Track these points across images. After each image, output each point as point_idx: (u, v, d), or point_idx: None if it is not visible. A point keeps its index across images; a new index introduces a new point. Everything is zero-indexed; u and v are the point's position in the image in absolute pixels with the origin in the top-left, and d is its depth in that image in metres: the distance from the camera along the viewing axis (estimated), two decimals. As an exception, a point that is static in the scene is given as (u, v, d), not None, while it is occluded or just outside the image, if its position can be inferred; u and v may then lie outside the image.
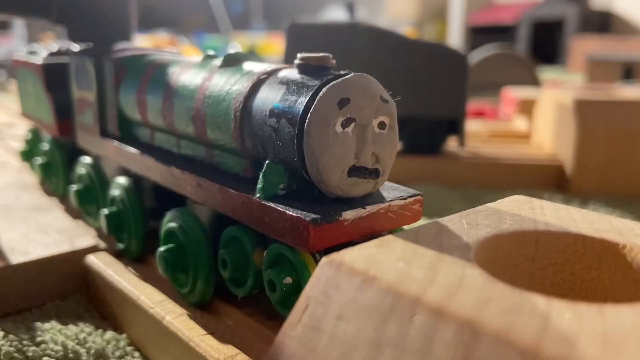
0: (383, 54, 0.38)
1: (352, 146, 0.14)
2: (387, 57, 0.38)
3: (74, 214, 0.24)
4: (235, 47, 1.73)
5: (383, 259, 0.11)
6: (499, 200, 0.16)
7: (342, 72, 0.14)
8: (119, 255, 0.21)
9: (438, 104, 0.39)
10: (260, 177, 0.14)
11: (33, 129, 0.28)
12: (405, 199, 0.15)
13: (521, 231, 0.13)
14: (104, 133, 0.21)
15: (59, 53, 0.23)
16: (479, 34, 2.37)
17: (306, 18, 0.41)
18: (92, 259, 0.20)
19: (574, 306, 0.09)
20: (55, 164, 0.25)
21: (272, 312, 0.15)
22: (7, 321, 0.18)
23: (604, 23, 2.04)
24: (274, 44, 1.88)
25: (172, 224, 0.17)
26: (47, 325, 0.18)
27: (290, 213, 0.13)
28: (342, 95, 0.13)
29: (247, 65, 0.16)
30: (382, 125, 0.14)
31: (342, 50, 0.39)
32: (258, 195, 0.14)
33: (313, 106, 0.13)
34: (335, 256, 0.11)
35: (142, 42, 1.63)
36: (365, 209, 0.14)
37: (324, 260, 0.11)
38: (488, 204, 0.16)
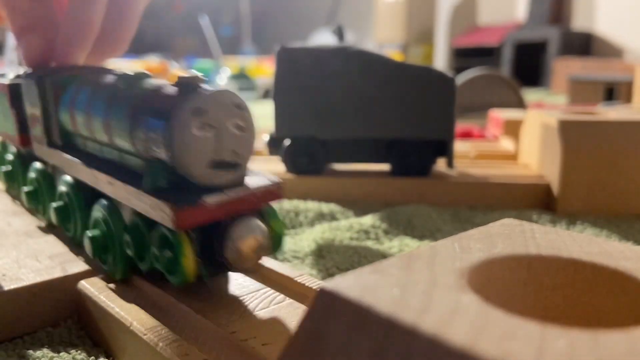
0: (372, 77, 0.39)
1: (210, 145, 0.18)
2: (376, 80, 0.39)
3: (66, 239, 0.24)
4: (226, 71, 1.74)
5: (378, 286, 0.11)
6: (490, 224, 0.16)
7: (206, 88, 0.18)
8: (111, 280, 0.20)
9: (426, 126, 0.39)
10: (145, 173, 0.18)
11: (2, 142, 0.32)
12: (266, 185, 0.19)
13: (513, 256, 0.13)
14: (50, 143, 0.24)
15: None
16: (463, 56, 2.42)
17: (296, 43, 0.41)
18: (84, 285, 0.20)
19: (567, 332, 0.09)
20: (17, 172, 0.29)
21: (268, 336, 0.15)
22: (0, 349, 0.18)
23: (585, 45, 2.09)
24: (264, 68, 1.90)
25: (97, 214, 0.21)
26: (38, 353, 0.18)
27: (162, 200, 0.17)
28: (197, 105, 0.17)
29: (142, 82, 0.20)
30: (238, 127, 0.18)
31: (332, 74, 0.39)
32: (144, 188, 0.18)
33: (174, 115, 0.17)
34: (330, 284, 0.11)
35: (132, 66, 1.64)
36: (226, 194, 0.18)
37: (320, 289, 0.11)
38: (479, 228, 0.16)
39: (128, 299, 0.19)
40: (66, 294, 0.20)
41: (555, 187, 0.37)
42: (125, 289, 0.20)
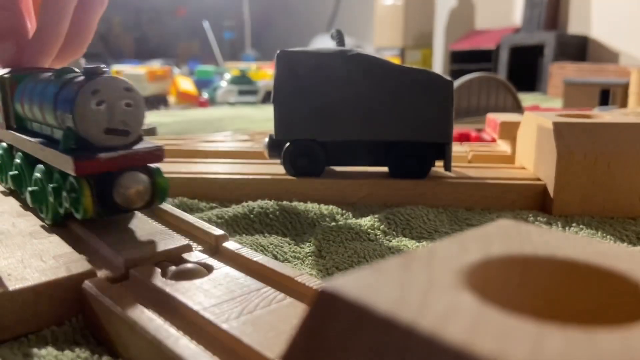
0: (370, 80, 0.40)
1: (104, 116, 0.24)
2: (375, 83, 0.40)
3: (70, 240, 0.24)
4: (228, 74, 1.75)
5: (377, 286, 0.11)
6: (487, 225, 0.16)
7: (103, 76, 0.24)
8: (115, 280, 0.21)
9: (424, 128, 0.40)
10: (61, 139, 0.24)
11: None
12: (149, 148, 0.25)
13: (509, 256, 0.14)
14: (8, 127, 0.31)
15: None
16: (461, 60, 2.43)
17: (296, 48, 0.42)
18: (89, 285, 0.20)
19: (563, 331, 0.09)
20: None
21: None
22: (4, 348, 0.18)
23: (581, 49, 2.10)
24: (264, 72, 1.91)
25: (36, 174, 0.28)
26: (43, 352, 0.18)
27: (68, 155, 0.23)
28: (95, 87, 0.24)
29: (66, 75, 0.26)
30: (127, 105, 0.24)
31: (331, 77, 0.40)
32: (60, 149, 0.24)
33: (77, 96, 0.23)
34: (330, 284, 0.12)
35: (136, 71, 1.64)
36: (115, 152, 0.24)
37: (320, 289, 0.12)
38: (476, 229, 0.16)
39: (132, 298, 0.19)
40: (71, 294, 0.20)
41: (551, 189, 0.38)
42: (129, 288, 0.20)
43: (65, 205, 0.25)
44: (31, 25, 0.33)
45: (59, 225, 0.27)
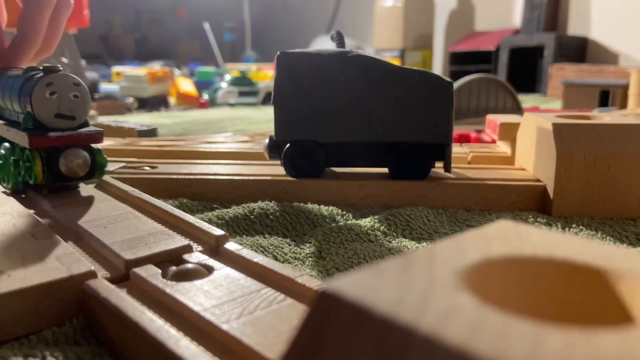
0: (370, 81, 0.40)
1: (55, 104, 0.31)
2: (375, 84, 0.40)
3: (71, 239, 0.24)
4: (228, 75, 1.75)
5: (377, 287, 0.11)
6: (486, 226, 0.16)
7: (57, 72, 0.31)
8: (116, 280, 0.21)
9: (424, 129, 0.40)
10: (22, 121, 0.31)
11: None
12: (90, 131, 0.32)
13: (509, 257, 0.14)
14: None
15: None
16: (461, 61, 2.43)
17: (296, 49, 0.42)
18: (90, 285, 0.20)
19: (562, 332, 0.09)
20: None
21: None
22: (5, 348, 0.18)
23: (580, 50, 2.10)
24: (264, 73, 1.91)
25: (1, 151, 0.34)
26: (44, 353, 0.18)
27: (24, 132, 0.30)
28: (48, 81, 0.31)
29: (30, 72, 0.32)
30: (75, 96, 0.32)
31: (331, 78, 0.40)
32: (20, 129, 0.31)
33: (35, 87, 0.31)
34: (330, 285, 0.12)
35: (137, 72, 1.64)
36: (62, 132, 0.31)
37: (320, 290, 0.12)
38: (476, 230, 0.16)
39: (133, 299, 0.19)
40: (71, 294, 0.20)
41: (550, 190, 0.38)
42: (130, 289, 0.20)
43: (22, 174, 0.32)
44: (2, 21, 0.39)
45: (19, 193, 0.33)
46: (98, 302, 0.19)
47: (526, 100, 1.58)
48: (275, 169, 0.43)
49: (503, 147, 0.53)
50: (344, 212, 0.38)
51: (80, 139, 0.31)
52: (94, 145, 0.32)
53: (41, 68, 0.32)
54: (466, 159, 0.50)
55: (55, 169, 0.31)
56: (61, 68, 0.32)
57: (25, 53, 0.37)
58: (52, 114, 0.31)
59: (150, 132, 0.78)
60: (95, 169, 0.32)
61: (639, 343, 0.09)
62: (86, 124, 0.32)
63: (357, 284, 0.12)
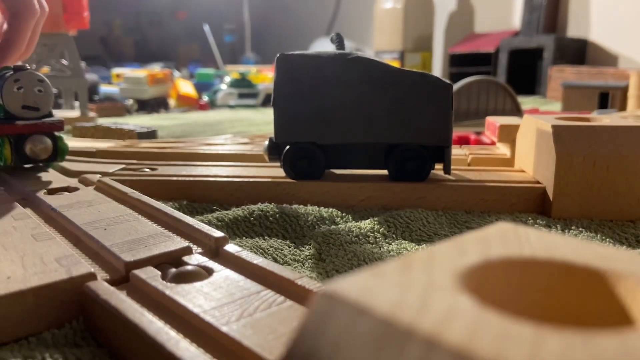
0: (370, 83, 0.40)
1: (21, 97, 0.37)
2: (374, 86, 0.40)
3: (71, 241, 0.24)
4: (228, 78, 1.75)
5: (376, 289, 0.11)
6: (486, 228, 0.16)
7: (25, 70, 0.38)
8: (115, 282, 0.21)
9: (424, 131, 0.40)
10: None
11: None
12: (52, 120, 0.38)
13: (508, 259, 0.14)
14: None
15: None
16: (460, 63, 2.43)
17: (295, 50, 0.42)
18: (89, 287, 0.20)
19: (561, 333, 0.09)
20: None
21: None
22: (5, 350, 0.18)
23: (580, 52, 2.11)
24: (264, 75, 1.92)
25: None
26: (44, 354, 0.18)
27: None
28: (16, 77, 0.37)
29: (3, 71, 0.38)
30: (39, 90, 0.38)
31: (331, 80, 0.40)
32: None
33: (4, 83, 0.37)
34: (330, 287, 0.12)
35: (137, 74, 1.65)
36: (28, 121, 0.37)
37: (321, 292, 0.12)
38: (475, 231, 0.16)
39: (133, 301, 0.19)
40: (71, 296, 0.20)
41: (550, 192, 0.38)
42: (130, 291, 0.20)
43: None
44: None
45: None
46: (98, 304, 0.19)
47: (526, 102, 1.58)
48: (275, 171, 0.43)
49: (503, 149, 0.53)
50: (343, 214, 0.38)
51: (44, 127, 0.38)
52: (56, 133, 0.39)
53: (12, 67, 0.38)
54: (466, 161, 0.50)
55: (22, 153, 0.37)
56: (28, 67, 0.38)
57: (8, 58, 0.41)
58: (19, 105, 0.37)
59: (150, 134, 0.78)
60: (57, 153, 0.39)
61: (638, 345, 0.09)
62: (50, 115, 0.38)
63: (357, 286, 0.12)
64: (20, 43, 0.41)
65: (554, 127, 0.37)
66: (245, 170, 0.44)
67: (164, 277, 0.21)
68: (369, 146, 0.41)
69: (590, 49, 2.12)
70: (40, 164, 0.39)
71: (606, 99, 1.23)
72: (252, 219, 0.35)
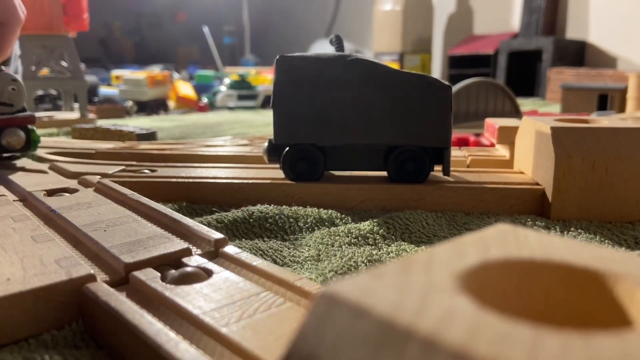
0: (370, 85, 0.40)
1: None
2: (374, 88, 0.40)
3: (70, 243, 0.24)
4: (227, 80, 1.76)
5: (375, 290, 0.11)
6: (485, 229, 0.16)
7: (1, 71, 0.43)
8: (115, 284, 0.21)
9: (423, 133, 0.40)
10: None
11: None
12: (25, 115, 0.44)
13: (507, 260, 0.14)
14: None
15: None
16: (459, 65, 2.43)
17: (295, 52, 0.42)
18: (89, 289, 0.20)
19: (560, 335, 0.09)
20: None
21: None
22: (5, 352, 0.18)
23: (579, 54, 2.11)
24: (263, 77, 1.92)
25: None
26: (44, 356, 0.18)
27: None
28: None
29: None
30: (12, 88, 0.43)
31: (330, 81, 0.40)
32: None
33: None
34: (329, 288, 0.12)
35: (137, 75, 1.65)
36: (3, 116, 0.43)
37: (320, 293, 0.12)
38: (474, 233, 0.16)
39: (132, 302, 0.19)
40: (71, 298, 0.20)
41: (549, 194, 0.38)
42: (129, 292, 0.20)
43: None
44: None
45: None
46: (97, 306, 0.19)
47: (525, 103, 1.58)
48: (274, 173, 0.43)
49: (502, 151, 0.53)
50: (343, 216, 0.38)
51: (18, 120, 0.43)
52: (30, 126, 0.44)
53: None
54: (465, 163, 0.50)
55: (1, 145, 0.43)
56: (3, 69, 0.43)
57: None
58: None
59: (150, 136, 0.78)
60: (30, 144, 0.44)
61: (636, 346, 0.09)
62: (23, 110, 0.44)
63: (356, 287, 0.12)
64: (7, 49, 0.46)
65: (553, 128, 0.37)
66: (244, 171, 0.44)
67: (163, 279, 0.21)
68: (368, 148, 0.41)
69: (589, 50, 2.13)
70: (17, 154, 0.45)
71: (605, 100, 1.23)
72: (251, 220, 0.35)
